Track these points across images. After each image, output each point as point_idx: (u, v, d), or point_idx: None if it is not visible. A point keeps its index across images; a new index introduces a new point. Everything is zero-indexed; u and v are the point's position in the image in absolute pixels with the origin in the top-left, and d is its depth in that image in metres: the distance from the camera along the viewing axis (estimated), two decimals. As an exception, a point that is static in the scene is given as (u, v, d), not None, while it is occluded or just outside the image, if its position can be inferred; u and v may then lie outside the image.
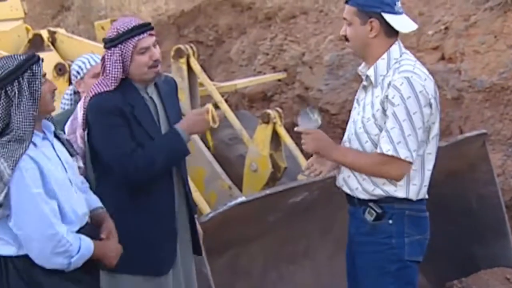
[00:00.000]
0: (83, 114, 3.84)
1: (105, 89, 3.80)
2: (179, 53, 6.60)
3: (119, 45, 3.76)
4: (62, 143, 3.53)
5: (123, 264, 3.68)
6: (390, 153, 3.50)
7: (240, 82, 7.69)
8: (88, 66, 4.59)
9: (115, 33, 3.79)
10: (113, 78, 3.79)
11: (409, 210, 3.65)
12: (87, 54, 4.78)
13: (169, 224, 3.89)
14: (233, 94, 8.46)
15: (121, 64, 3.77)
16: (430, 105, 3.56)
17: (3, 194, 3.21)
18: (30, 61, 3.31)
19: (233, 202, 4.65)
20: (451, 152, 5.60)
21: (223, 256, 4.91)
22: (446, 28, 7.39)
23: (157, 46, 3.86)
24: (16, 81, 3.26)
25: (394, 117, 3.50)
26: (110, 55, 3.79)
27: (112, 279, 3.82)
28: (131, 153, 3.72)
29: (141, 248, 3.79)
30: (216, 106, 6.69)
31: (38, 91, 3.30)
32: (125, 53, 3.76)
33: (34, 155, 3.31)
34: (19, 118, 3.26)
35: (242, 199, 4.74)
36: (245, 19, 9.11)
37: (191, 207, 4.04)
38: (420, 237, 3.69)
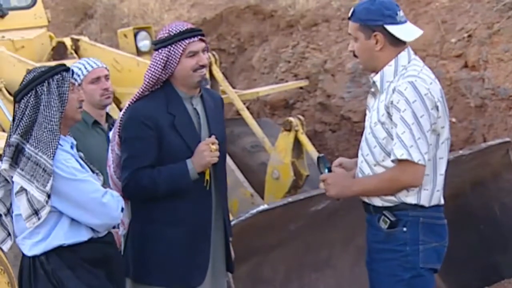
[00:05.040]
0: (120, 120, 3.82)
1: (142, 93, 3.78)
2: (201, 61, 6.61)
3: (169, 46, 3.75)
4: (80, 163, 3.62)
5: (151, 275, 3.71)
6: (404, 157, 3.48)
7: (262, 90, 7.70)
8: (85, 72, 4.49)
9: (166, 34, 3.78)
10: (148, 78, 3.77)
11: (424, 217, 3.62)
12: (83, 59, 4.69)
13: (203, 238, 3.83)
14: (255, 101, 8.46)
15: (162, 65, 3.75)
16: (437, 107, 3.56)
17: (49, 185, 3.39)
18: (60, 68, 3.54)
19: (255, 210, 4.65)
20: (474, 161, 5.57)
21: (245, 264, 4.90)
22: (470, 36, 7.36)
23: (206, 53, 3.85)
24: (46, 81, 3.49)
25: (403, 122, 3.49)
26: (156, 55, 3.78)
27: None
28: (141, 169, 3.72)
29: (171, 260, 3.77)
30: (238, 114, 6.69)
31: (66, 93, 3.49)
32: (173, 54, 3.75)
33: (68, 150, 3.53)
34: (48, 114, 3.44)
35: (264, 207, 4.75)
36: (267, 27, 9.11)
37: (227, 225, 3.98)
38: (437, 244, 3.66)
